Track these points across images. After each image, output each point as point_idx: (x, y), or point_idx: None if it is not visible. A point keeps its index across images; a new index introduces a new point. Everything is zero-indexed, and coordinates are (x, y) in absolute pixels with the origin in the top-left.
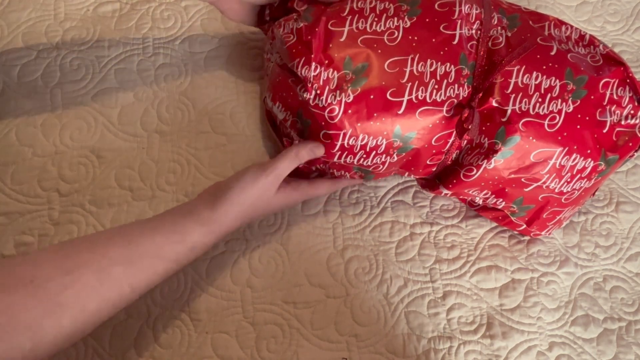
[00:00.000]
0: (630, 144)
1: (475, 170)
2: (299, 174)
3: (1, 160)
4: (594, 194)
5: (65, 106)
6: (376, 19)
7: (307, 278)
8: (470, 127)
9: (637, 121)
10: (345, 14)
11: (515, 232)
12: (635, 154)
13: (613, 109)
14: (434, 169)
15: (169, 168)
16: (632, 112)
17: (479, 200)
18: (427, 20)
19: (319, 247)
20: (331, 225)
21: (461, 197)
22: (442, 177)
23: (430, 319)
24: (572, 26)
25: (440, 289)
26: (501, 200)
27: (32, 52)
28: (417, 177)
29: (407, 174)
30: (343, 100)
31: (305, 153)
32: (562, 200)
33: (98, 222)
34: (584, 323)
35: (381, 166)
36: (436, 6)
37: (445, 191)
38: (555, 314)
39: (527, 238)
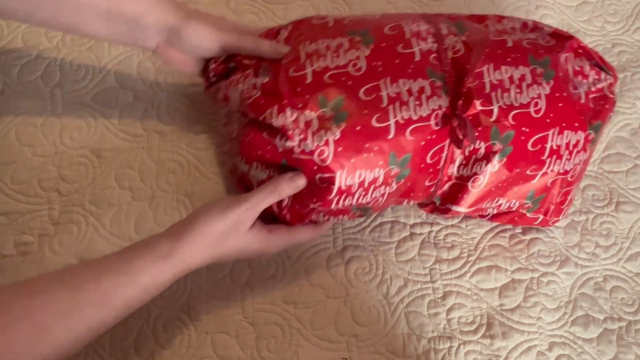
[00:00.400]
0: (607, 106)
1: (482, 178)
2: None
3: (1, 160)
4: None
5: (65, 106)
6: (335, 55)
7: (307, 278)
8: (467, 133)
9: (604, 84)
10: (302, 60)
11: (517, 232)
12: (612, 113)
13: (580, 79)
14: (432, 190)
15: (169, 168)
16: (596, 77)
17: (492, 211)
18: (383, 45)
19: (319, 248)
20: (331, 226)
21: (475, 213)
22: (447, 196)
23: (430, 319)
24: (511, 17)
25: (440, 289)
26: (514, 201)
27: (32, 52)
28: (418, 201)
29: (405, 202)
30: (330, 139)
31: (285, 185)
32: (569, 179)
33: (98, 222)
34: (584, 323)
35: (380, 199)
36: (386, 31)
37: (458, 209)
38: (555, 314)
39: (527, 238)
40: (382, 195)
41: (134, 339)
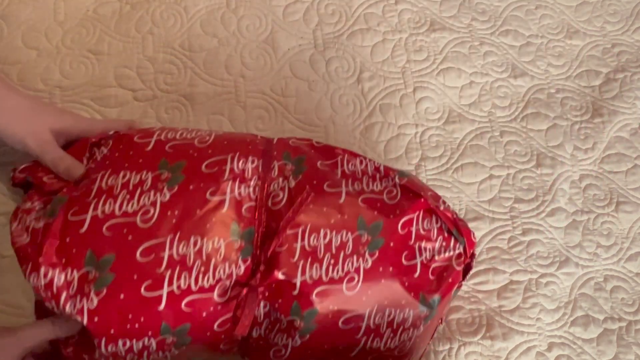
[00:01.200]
0: (450, 280)
1: (284, 350)
2: None
3: (1, 161)
4: (441, 322)
5: (65, 107)
6: (128, 197)
7: None
8: (245, 312)
9: (451, 253)
10: (90, 197)
11: (516, 234)
12: (463, 282)
13: (423, 245)
14: (235, 348)
15: None
16: (444, 244)
17: None
18: (191, 187)
19: None
20: None
21: None
22: (251, 355)
23: None
24: (365, 158)
25: None
26: None
27: (32, 52)
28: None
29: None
30: (85, 307)
31: (61, 325)
32: (396, 354)
33: None
34: (584, 323)
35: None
36: (203, 168)
37: None
38: (554, 314)
39: (527, 239)
40: (165, 357)
41: None
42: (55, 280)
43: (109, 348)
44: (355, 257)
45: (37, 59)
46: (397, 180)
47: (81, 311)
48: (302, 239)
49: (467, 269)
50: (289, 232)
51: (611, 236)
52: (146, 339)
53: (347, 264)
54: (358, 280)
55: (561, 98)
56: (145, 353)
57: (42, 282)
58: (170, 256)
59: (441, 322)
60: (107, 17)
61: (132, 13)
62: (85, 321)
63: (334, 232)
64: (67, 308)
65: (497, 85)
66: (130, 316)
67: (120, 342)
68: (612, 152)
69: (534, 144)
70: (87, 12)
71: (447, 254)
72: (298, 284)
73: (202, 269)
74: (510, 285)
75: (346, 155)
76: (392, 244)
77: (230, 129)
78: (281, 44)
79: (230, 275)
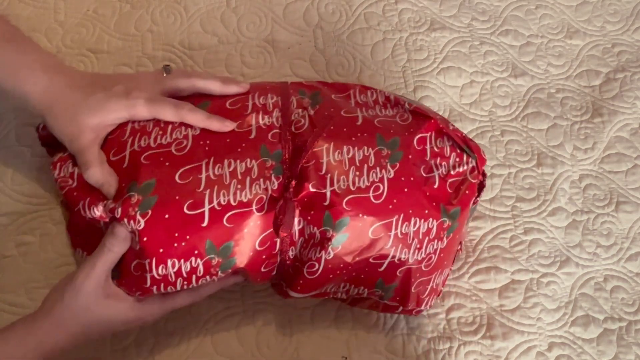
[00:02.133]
0: (467, 192)
1: (317, 265)
2: None
3: (1, 161)
4: (460, 249)
5: None
6: (160, 132)
7: None
8: (284, 220)
9: (465, 167)
10: (125, 136)
11: (518, 233)
12: (478, 199)
13: (438, 161)
14: (273, 273)
15: None
16: (457, 160)
17: (341, 295)
18: None
19: None
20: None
21: (320, 297)
22: (286, 279)
23: (430, 319)
24: (376, 90)
25: None
26: (362, 288)
27: None
28: (265, 282)
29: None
30: (134, 228)
31: (109, 240)
32: (423, 268)
33: None
34: (584, 323)
35: (212, 283)
36: (227, 105)
37: (295, 294)
38: (555, 314)
39: (528, 238)
40: (213, 282)
41: (133, 340)
42: (105, 209)
43: (160, 270)
44: (378, 169)
45: None
46: (407, 106)
47: (132, 233)
48: (327, 155)
49: (481, 186)
50: (314, 149)
51: (611, 236)
52: (193, 259)
53: (372, 175)
54: (383, 190)
55: (561, 98)
56: (194, 277)
57: (98, 214)
58: (208, 177)
59: (460, 249)
60: (107, 17)
61: (132, 12)
62: (136, 241)
63: (355, 148)
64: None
65: (497, 85)
66: (176, 234)
67: (169, 263)
68: (612, 152)
69: (534, 143)
70: (87, 12)
71: (461, 169)
72: (328, 194)
73: (239, 186)
74: (512, 285)
75: (358, 88)
76: (410, 157)
77: None
78: (281, 43)
79: (265, 190)
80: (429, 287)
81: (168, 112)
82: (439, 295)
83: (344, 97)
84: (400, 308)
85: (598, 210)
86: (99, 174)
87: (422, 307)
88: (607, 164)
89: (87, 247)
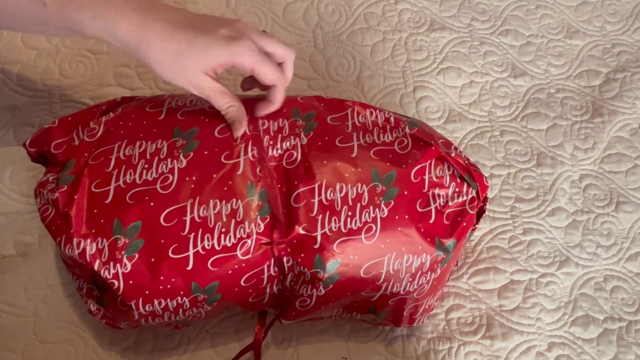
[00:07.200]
0: (465, 224)
1: (309, 300)
2: None
3: (1, 160)
4: (456, 265)
5: (64, 107)
6: (146, 166)
7: None
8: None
9: (465, 198)
10: (110, 168)
11: (517, 233)
12: (476, 227)
13: (437, 192)
14: (264, 302)
15: None
16: (457, 190)
17: (334, 318)
18: (206, 152)
19: None
20: None
21: (314, 319)
22: (279, 307)
23: (429, 320)
24: (376, 109)
25: None
26: (355, 313)
27: (32, 52)
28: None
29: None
30: (120, 272)
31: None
32: (415, 296)
33: None
34: (584, 323)
35: (199, 315)
36: (216, 133)
37: (286, 322)
38: (554, 314)
39: (527, 239)
40: (199, 313)
41: (133, 342)
42: (88, 249)
43: (147, 307)
44: (371, 208)
45: (37, 59)
46: (407, 130)
47: (117, 276)
48: (319, 194)
49: (481, 212)
50: (305, 188)
51: (611, 236)
52: (179, 298)
53: (365, 215)
54: (376, 230)
55: (561, 98)
56: (181, 310)
57: (76, 252)
58: (192, 219)
59: (456, 265)
60: None
61: None
62: (121, 285)
63: (349, 186)
64: (103, 273)
65: (497, 85)
66: (162, 277)
67: (156, 302)
68: (612, 152)
69: (534, 143)
70: None
71: (460, 199)
72: (319, 238)
73: (224, 229)
74: (511, 285)
75: (356, 108)
76: (406, 193)
77: None
78: None
79: (249, 235)
80: (422, 308)
81: (269, 72)
82: (431, 311)
83: (341, 118)
84: (391, 327)
85: (598, 210)
86: (237, 109)
87: (415, 325)
88: (607, 164)
89: (73, 272)
